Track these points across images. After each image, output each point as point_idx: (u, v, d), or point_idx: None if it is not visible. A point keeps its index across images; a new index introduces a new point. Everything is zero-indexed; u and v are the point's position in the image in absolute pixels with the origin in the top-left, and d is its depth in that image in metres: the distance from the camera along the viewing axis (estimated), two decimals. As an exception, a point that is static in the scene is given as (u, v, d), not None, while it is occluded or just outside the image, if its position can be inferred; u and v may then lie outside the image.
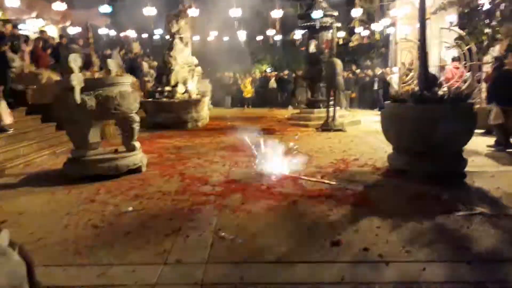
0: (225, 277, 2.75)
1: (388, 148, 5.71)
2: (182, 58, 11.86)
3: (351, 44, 16.90)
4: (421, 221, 3.60)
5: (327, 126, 9.71)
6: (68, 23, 14.98)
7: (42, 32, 11.77)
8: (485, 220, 3.62)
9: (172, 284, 2.70)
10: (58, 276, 2.79)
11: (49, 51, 10.51)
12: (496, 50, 8.91)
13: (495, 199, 4.23)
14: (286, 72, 19.90)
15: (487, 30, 9.08)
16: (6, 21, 8.52)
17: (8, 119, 7.05)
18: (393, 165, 5.35)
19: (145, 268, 2.88)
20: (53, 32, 14.58)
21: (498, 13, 8.64)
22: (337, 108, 9.99)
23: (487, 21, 9.29)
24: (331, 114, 9.77)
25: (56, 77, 9.21)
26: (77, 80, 5.14)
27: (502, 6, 8.57)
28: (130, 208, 4.16)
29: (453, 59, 10.46)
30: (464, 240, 3.24)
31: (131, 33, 17.84)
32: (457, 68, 9.75)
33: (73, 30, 14.67)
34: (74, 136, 5.49)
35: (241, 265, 2.89)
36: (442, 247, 3.10)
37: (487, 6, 9.29)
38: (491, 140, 7.01)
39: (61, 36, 12.86)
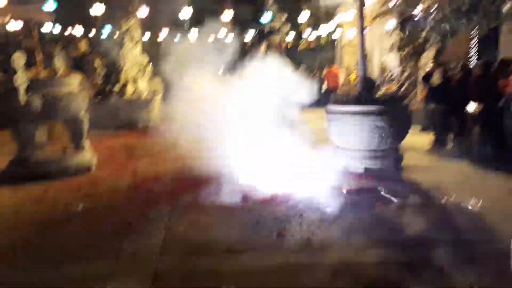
0: (179, 266, 2.92)
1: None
2: (132, 57, 11.68)
3: (299, 48, 17.46)
4: (359, 213, 3.94)
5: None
6: (7, 18, 14.18)
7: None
8: (415, 209, 4.03)
9: (127, 275, 2.81)
10: (9, 276, 2.81)
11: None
12: (428, 56, 9.75)
13: (426, 190, 4.66)
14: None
15: (421, 36, 9.90)
16: None
17: None
18: (334, 162, 5.69)
19: (99, 263, 2.96)
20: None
21: (428, 22, 9.44)
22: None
23: (420, 28, 10.09)
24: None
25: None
26: (21, 80, 5.00)
27: (431, 17, 9.33)
28: (81, 207, 4.15)
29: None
30: (397, 228, 3.62)
31: (78, 30, 17.16)
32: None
33: (13, 26, 13.89)
34: (19, 137, 5.32)
35: (193, 255, 3.06)
36: (378, 234, 3.45)
37: (419, 16, 10.07)
38: (427, 138, 7.51)
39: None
